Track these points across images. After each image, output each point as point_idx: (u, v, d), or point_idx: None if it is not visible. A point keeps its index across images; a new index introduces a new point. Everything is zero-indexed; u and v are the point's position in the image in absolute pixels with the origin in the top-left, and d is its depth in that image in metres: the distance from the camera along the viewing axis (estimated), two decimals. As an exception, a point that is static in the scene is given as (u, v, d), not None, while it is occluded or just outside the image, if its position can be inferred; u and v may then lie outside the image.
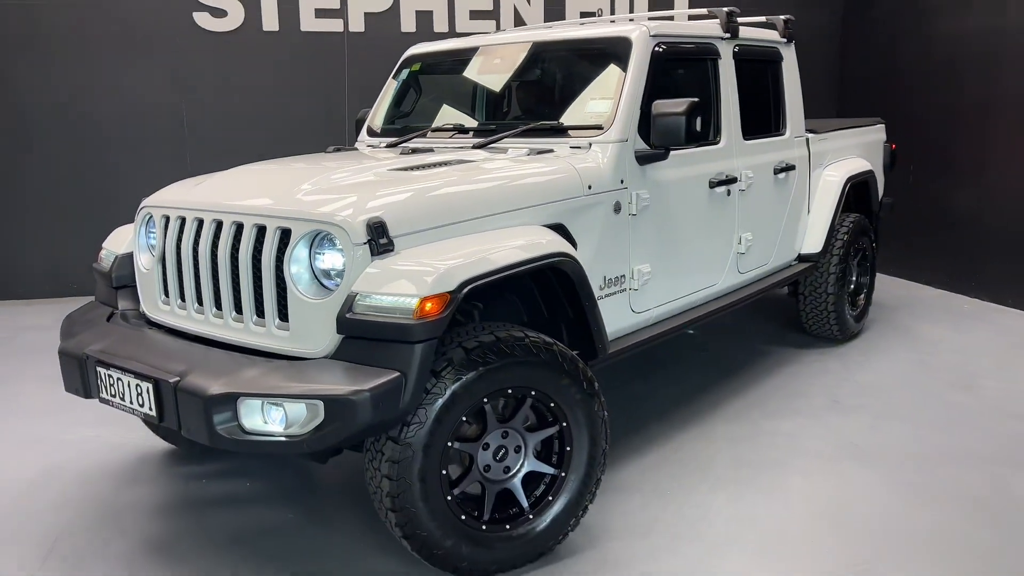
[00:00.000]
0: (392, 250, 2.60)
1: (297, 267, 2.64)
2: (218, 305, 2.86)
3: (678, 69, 4.03)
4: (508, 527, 2.76)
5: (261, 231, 2.72)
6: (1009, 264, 6.07)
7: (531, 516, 2.80)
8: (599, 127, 3.44)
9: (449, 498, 2.62)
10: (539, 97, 4.08)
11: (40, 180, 6.78)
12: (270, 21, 6.88)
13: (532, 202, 3.06)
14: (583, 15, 7.21)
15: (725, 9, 4.09)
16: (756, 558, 2.89)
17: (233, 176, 3.26)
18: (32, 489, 3.50)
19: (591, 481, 2.90)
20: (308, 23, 6.94)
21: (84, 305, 3.46)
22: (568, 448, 2.85)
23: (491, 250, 2.71)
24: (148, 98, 6.81)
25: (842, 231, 5.11)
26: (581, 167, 3.28)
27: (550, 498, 2.84)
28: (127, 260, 3.30)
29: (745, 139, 4.21)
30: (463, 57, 4.18)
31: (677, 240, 3.77)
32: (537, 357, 2.71)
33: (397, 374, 2.41)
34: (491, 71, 4.08)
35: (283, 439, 2.41)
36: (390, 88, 4.43)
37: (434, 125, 4.08)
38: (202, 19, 6.80)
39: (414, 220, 2.70)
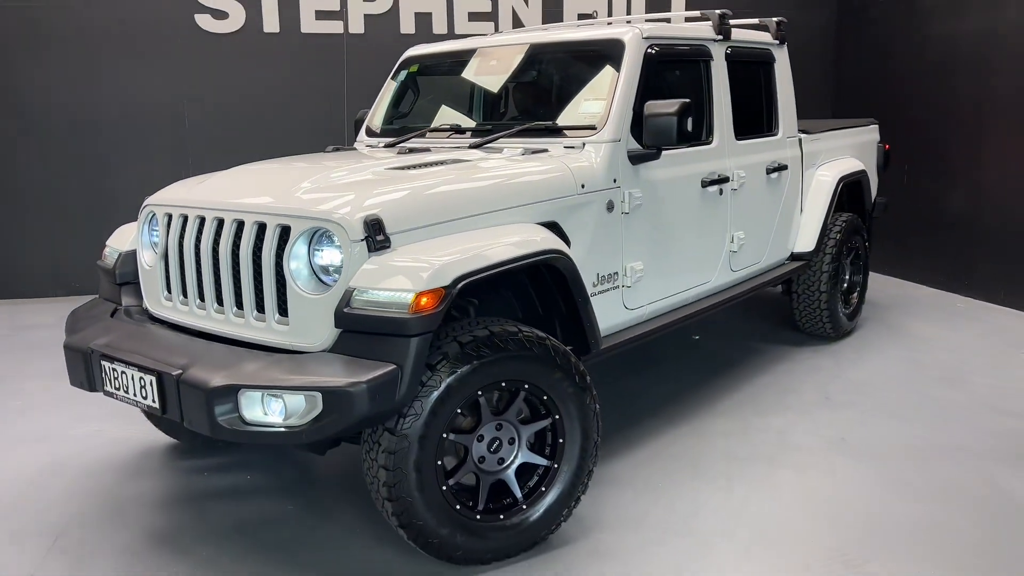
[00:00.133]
0: (389, 247, 2.67)
1: (296, 263, 2.71)
2: (219, 301, 2.93)
3: (671, 70, 4.10)
4: (502, 517, 2.83)
5: (261, 228, 2.79)
6: (1002, 263, 6.14)
7: (525, 506, 2.87)
8: (592, 127, 3.51)
9: (444, 488, 2.69)
10: (535, 98, 4.15)
11: (42, 180, 6.86)
12: (271, 23, 6.97)
13: (526, 200, 3.12)
14: (580, 17, 7.29)
15: (717, 12, 4.16)
16: (745, 550, 2.95)
17: (234, 175, 3.33)
18: (37, 483, 3.57)
19: (583, 473, 2.97)
20: (308, 25, 7.02)
21: (88, 301, 3.53)
22: (561, 440, 2.91)
23: (485, 247, 2.78)
24: (150, 99, 6.89)
25: (835, 230, 5.17)
26: (575, 166, 3.34)
27: (543, 489, 2.91)
28: (130, 257, 3.37)
29: (737, 139, 4.28)
30: (461, 59, 4.25)
31: (670, 238, 3.84)
32: (530, 351, 2.78)
33: (393, 367, 2.48)
34: (488, 72, 4.16)
35: (283, 430, 2.48)
36: (389, 89, 4.50)
37: (432, 125, 4.16)
38: (203, 21, 6.89)
39: (410, 218, 2.77)
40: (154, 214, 3.21)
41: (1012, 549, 2.94)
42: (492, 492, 2.86)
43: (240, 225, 2.84)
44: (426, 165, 3.23)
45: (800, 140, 4.97)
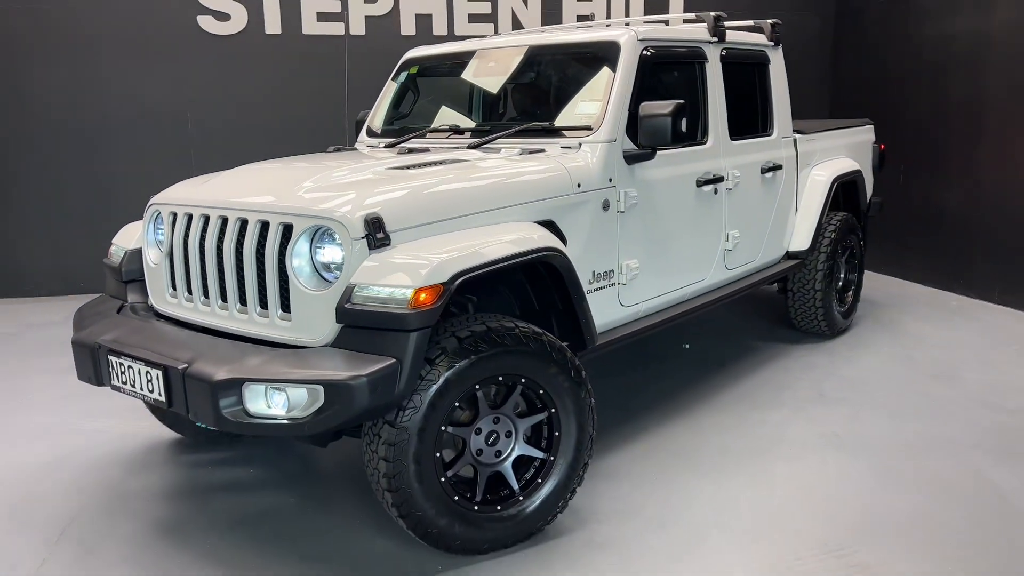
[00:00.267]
0: (389, 244, 2.74)
1: (299, 260, 2.78)
2: (223, 297, 3.00)
3: (666, 72, 4.16)
4: (499, 508, 2.90)
5: (265, 227, 2.86)
6: (997, 262, 6.20)
7: (521, 498, 2.94)
8: (588, 128, 3.58)
9: (443, 480, 2.76)
10: (533, 99, 4.21)
11: (47, 181, 6.93)
12: (272, 25, 7.04)
13: (523, 199, 3.19)
14: (579, 18, 7.36)
15: (712, 14, 4.23)
16: (737, 540, 3.02)
17: (238, 175, 3.40)
18: (44, 476, 3.65)
19: (579, 465, 3.04)
20: (310, 26, 7.09)
21: (95, 298, 3.61)
22: (557, 433, 2.99)
23: (483, 244, 2.85)
24: (153, 100, 6.96)
25: (829, 229, 5.24)
26: (571, 166, 3.41)
27: (539, 481, 2.98)
28: (136, 255, 3.44)
29: (732, 139, 4.35)
30: (460, 60, 4.32)
31: (665, 237, 3.91)
32: (527, 346, 2.85)
33: (393, 361, 2.55)
34: (487, 74, 4.23)
35: (285, 422, 2.55)
36: (389, 90, 4.57)
37: (431, 126, 4.23)
38: (206, 23, 6.96)
39: (410, 216, 2.84)
40: (159, 213, 3.29)
41: (998, 538, 3.00)
42: (490, 484, 2.93)
43: (244, 223, 2.91)
44: (426, 165, 3.30)
45: (795, 140, 5.04)
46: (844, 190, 5.58)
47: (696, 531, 3.09)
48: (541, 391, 2.93)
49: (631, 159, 3.62)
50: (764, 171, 4.65)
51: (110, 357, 2.96)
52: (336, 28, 7.12)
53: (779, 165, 4.79)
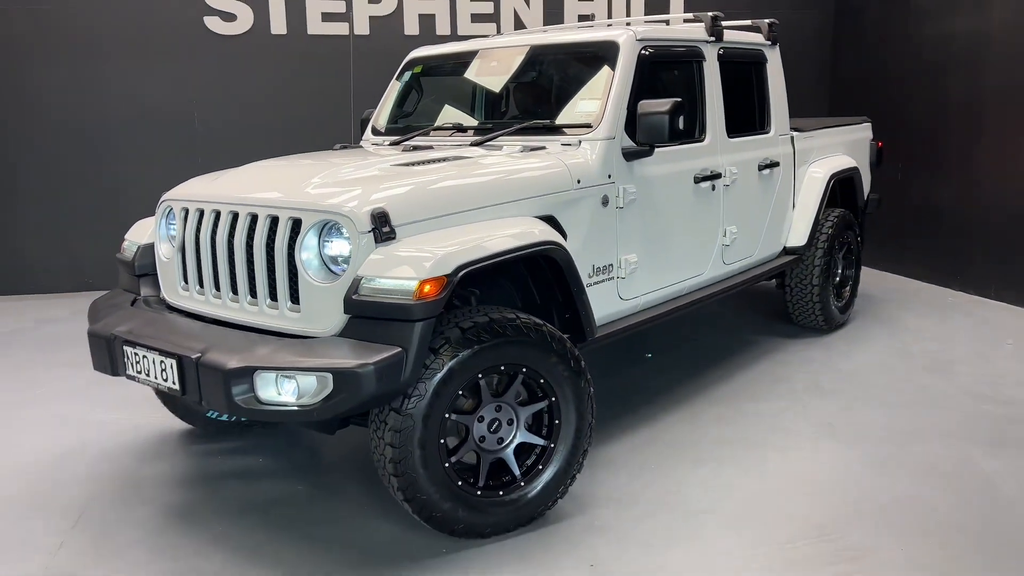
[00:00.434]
0: (394, 238, 2.84)
1: (307, 254, 2.88)
2: (234, 290, 3.10)
3: (664, 70, 4.26)
4: (501, 493, 3.00)
5: (274, 221, 2.96)
6: (993, 258, 6.28)
7: (523, 483, 3.04)
8: (588, 125, 3.67)
9: (447, 465, 2.86)
10: (534, 97, 4.30)
11: (55, 180, 7.05)
12: (278, 25, 7.14)
13: (525, 195, 3.29)
14: (581, 18, 7.45)
15: (710, 14, 4.32)
16: (731, 524, 3.12)
17: (247, 171, 3.50)
18: (60, 464, 3.75)
19: (578, 452, 3.14)
20: (315, 26, 7.20)
21: (108, 292, 3.71)
22: (557, 421, 3.08)
23: (485, 238, 2.95)
24: (160, 100, 7.07)
25: (827, 225, 5.32)
26: (571, 163, 3.51)
27: (540, 467, 3.08)
28: (148, 250, 3.54)
29: (730, 137, 4.44)
30: (463, 60, 4.42)
31: (663, 232, 4.00)
32: (528, 337, 2.95)
33: (399, 349, 2.65)
34: (489, 73, 4.32)
35: (295, 408, 2.65)
36: (393, 89, 4.67)
37: (435, 124, 4.32)
38: (212, 23, 7.07)
39: (415, 211, 2.94)
40: (171, 208, 3.39)
41: (985, 523, 3.09)
42: (492, 470, 3.03)
43: (254, 218, 3.01)
44: (429, 162, 3.39)
45: (792, 138, 5.13)
46: (841, 187, 5.66)
47: (692, 517, 3.18)
48: (542, 380, 3.03)
49: (630, 156, 3.72)
50: (761, 168, 4.74)
51: (125, 347, 3.06)
52: (341, 28, 7.22)
53: (776, 162, 4.88)
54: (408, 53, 4.72)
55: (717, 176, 4.30)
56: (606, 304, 3.68)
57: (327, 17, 7.20)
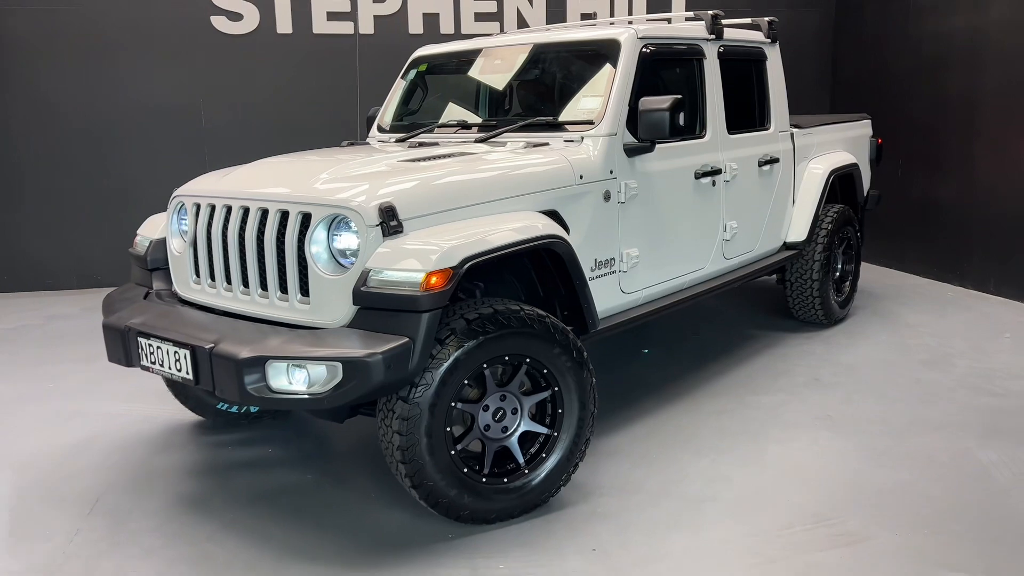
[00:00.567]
0: (401, 231, 2.92)
1: (317, 247, 2.96)
2: (245, 283, 3.18)
3: (666, 68, 4.33)
4: (506, 480, 3.08)
5: (284, 216, 3.04)
6: (991, 254, 6.34)
7: (527, 471, 3.12)
8: (590, 122, 3.75)
9: (452, 453, 2.94)
10: (537, 95, 4.38)
11: (65, 179, 7.13)
12: (284, 24, 7.22)
13: (528, 190, 3.36)
14: (583, 17, 7.52)
15: (710, 13, 4.39)
16: (731, 512, 3.19)
17: (257, 167, 3.58)
18: (75, 455, 3.84)
19: (581, 440, 3.21)
20: (320, 26, 7.27)
21: (121, 287, 3.79)
22: (560, 410, 3.16)
23: (490, 232, 3.03)
24: (168, 99, 7.16)
25: (826, 221, 5.39)
26: (573, 159, 3.58)
27: (544, 455, 3.15)
28: (160, 245, 3.62)
29: (730, 133, 4.51)
30: (467, 58, 4.49)
31: (664, 226, 4.07)
32: (531, 328, 3.02)
33: (406, 339, 2.73)
34: (493, 71, 4.40)
35: (306, 397, 2.73)
36: (399, 87, 4.74)
37: (440, 122, 4.40)
38: (219, 23, 7.15)
39: (421, 205, 3.02)
40: (183, 204, 3.47)
41: (979, 510, 3.16)
42: (497, 458, 3.11)
43: (264, 213, 3.09)
44: (435, 158, 3.47)
45: (792, 134, 5.19)
46: (841, 183, 5.73)
47: (692, 504, 3.25)
48: (545, 370, 3.10)
49: (631, 152, 3.79)
50: (761, 164, 4.81)
51: (139, 339, 3.14)
52: (346, 27, 7.30)
53: (776, 158, 4.95)
54: (412, 52, 4.80)
55: (717, 172, 4.37)
56: (608, 297, 3.75)
57: (332, 16, 7.27)
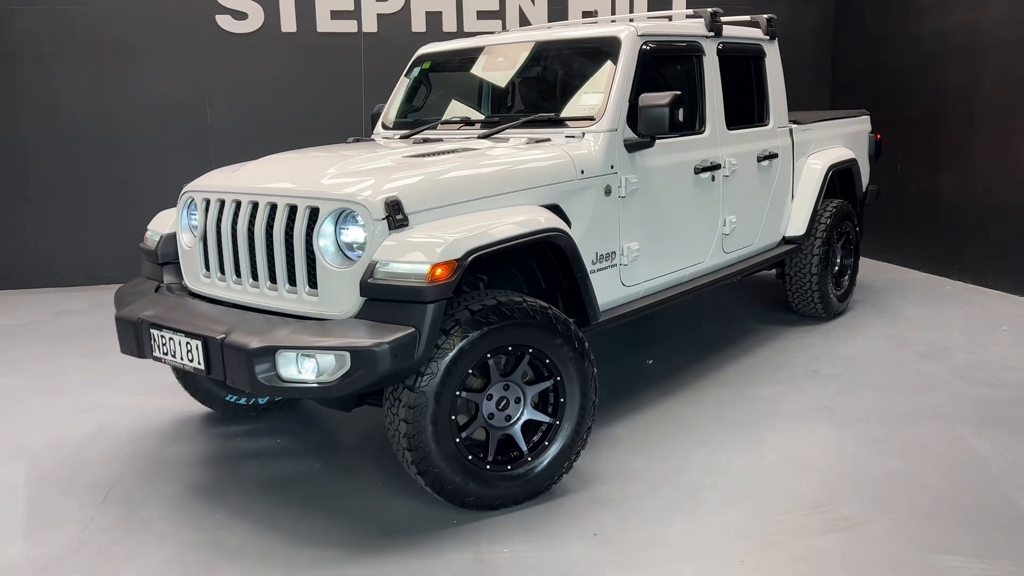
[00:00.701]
0: (407, 225, 2.99)
1: (324, 241, 3.04)
2: (254, 276, 3.26)
3: (665, 65, 4.39)
4: (509, 468, 3.15)
5: (292, 210, 3.11)
6: (990, 248, 6.41)
7: (530, 459, 3.19)
8: (591, 118, 3.82)
9: (457, 440, 3.01)
10: (539, 92, 4.45)
11: (73, 177, 7.21)
12: (288, 23, 7.29)
13: (530, 185, 3.44)
14: (585, 14, 7.58)
15: (709, 10, 4.45)
16: (729, 498, 3.26)
17: (265, 163, 3.66)
18: (87, 446, 3.92)
19: (582, 429, 3.29)
20: (324, 24, 7.34)
21: (132, 281, 3.86)
22: (562, 400, 3.23)
23: (493, 225, 3.10)
24: (174, 97, 7.24)
25: (825, 215, 5.45)
26: (575, 154, 3.65)
27: (546, 443, 3.23)
28: (171, 239, 3.70)
29: (729, 129, 4.57)
30: (470, 56, 4.56)
31: (664, 221, 4.14)
32: (534, 319, 3.10)
33: (412, 330, 2.80)
34: (495, 68, 4.47)
35: (315, 385, 2.80)
36: (402, 85, 4.81)
37: (443, 118, 4.47)
38: (224, 21, 7.22)
39: (426, 199, 3.09)
40: (193, 199, 3.54)
41: (973, 498, 3.23)
42: (500, 445, 3.18)
43: (273, 208, 3.17)
44: (439, 153, 3.55)
45: (791, 130, 5.26)
46: (840, 178, 5.79)
47: (691, 491, 3.33)
48: (547, 360, 3.18)
49: (631, 147, 3.86)
50: (760, 159, 4.88)
51: (152, 330, 3.22)
52: (350, 26, 7.37)
53: (775, 154, 5.01)
54: (415, 50, 4.86)
55: (717, 167, 4.44)
56: (609, 290, 3.82)
57: (336, 15, 7.34)
